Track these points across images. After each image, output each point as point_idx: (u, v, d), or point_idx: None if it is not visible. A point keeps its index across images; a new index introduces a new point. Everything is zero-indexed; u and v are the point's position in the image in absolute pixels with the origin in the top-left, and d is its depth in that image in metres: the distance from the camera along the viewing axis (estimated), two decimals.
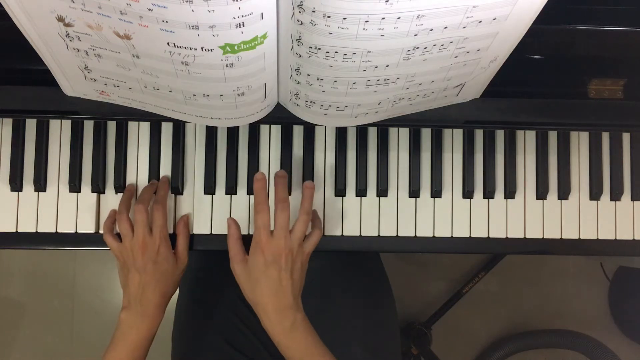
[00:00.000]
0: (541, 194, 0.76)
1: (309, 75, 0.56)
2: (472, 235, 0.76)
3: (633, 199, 0.77)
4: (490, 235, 0.76)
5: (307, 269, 0.86)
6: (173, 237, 0.72)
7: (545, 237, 0.76)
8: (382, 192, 0.75)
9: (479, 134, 0.77)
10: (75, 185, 0.73)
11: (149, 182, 0.73)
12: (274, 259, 0.64)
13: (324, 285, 0.85)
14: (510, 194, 0.76)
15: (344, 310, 0.83)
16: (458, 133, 0.77)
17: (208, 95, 0.58)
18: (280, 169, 0.73)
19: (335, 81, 0.56)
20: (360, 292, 0.86)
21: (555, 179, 0.77)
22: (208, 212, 0.74)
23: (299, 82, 0.58)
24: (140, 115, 0.66)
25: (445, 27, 0.50)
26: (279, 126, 0.75)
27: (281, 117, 0.66)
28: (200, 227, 0.74)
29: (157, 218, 0.68)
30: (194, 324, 0.84)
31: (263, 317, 0.65)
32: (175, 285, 0.71)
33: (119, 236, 0.69)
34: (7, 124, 0.74)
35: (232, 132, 0.74)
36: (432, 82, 0.59)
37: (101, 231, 0.73)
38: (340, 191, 0.75)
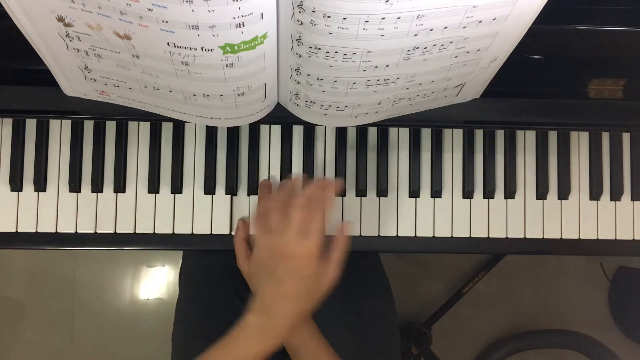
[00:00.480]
0: (541, 194, 0.76)
1: (309, 75, 0.56)
2: (472, 235, 0.76)
3: (633, 199, 0.77)
4: (490, 235, 0.76)
5: None
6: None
7: (545, 237, 0.76)
8: (382, 192, 0.75)
9: (479, 134, 0.77)
10: (75, 185, 0.73)
11: (149, 182, 0.73)
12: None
13: None
14: (510, 194, 0.76)
15: (344, 310, 0.83)
16: (458, 133, 0.77)
17: (208, 95, 0.58)
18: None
19: (335, 81, 0.56)
20: (360, 292, 0.86)
21: (555, 179, 0.77)
22: (208, 212, 0.74)
23: (299, 82, 0.58)
24: (140, 115, 0.66)
25: (445, 27, 0.50)
26: (279, 126, 0.75)
27: (281, 117, 0.66)
28: (200, 227, 0.74)
29: (315, 220, 0.59)
30: (194, 324, 0.84)
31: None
32: (312, 304, 0.60)
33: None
34: (7, 124, 0.74)
35: (232, 132, 0.74)
36: (432, 82, 0.59)
37: (99, 231, 0.73)
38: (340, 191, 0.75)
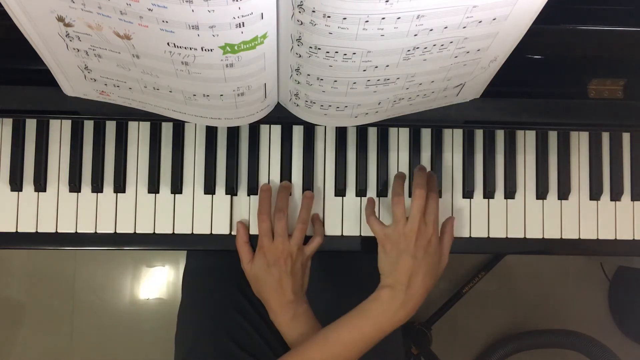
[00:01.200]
0: (541, 194, 0.76)
1: (309, 75, 0.56)
2: (472, 235, 0.76)
3: (633, 199, 0.77)
4: (490, 235, 0.76)
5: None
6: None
7: (545, 237, 0.76)
8: (382, 192, 0.75)
9: (479, 134, 0.77)
10: (75, 185, 0.73)
11: (149, 182, 0.73)
12: (275, 262, 0.70)
13: (324, 286, 0.85)
14: (510, 194, 0.76)
15: (345, 310, 0.83)
16: (458, 133, 0.77)
17: (208, 95, 0.58)
18: (284, 181, 0.75)
19: (335, 81, 0.56)
20: (360, 292, 0.86)
21: (555, 179, 0.77)
22: (208, 212, 0.74)
23: (299, 82, 0.58)
24: (140, 115, 0.66)
25: (445, 27, 0.50)
26: (279, 126, 0.75)
27: (281, 117, 0.66)
28: (200, 227, 0.74)
29: (431, 208, 0.67)
30: (197, 323, 0.84)
31: (268, 311, 0.72)
32: (435, 282, 0.67)
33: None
34: (7, 124, 0.74)
35: (232, 132, 0.74)
36: (432, 82, 0.59)
37: (99, 231, 0.73)
38: (340, 191, 0.75)
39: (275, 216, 0.71)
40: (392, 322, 0.64)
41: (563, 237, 0.76)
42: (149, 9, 0.45)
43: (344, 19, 0.47)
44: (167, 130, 0.74)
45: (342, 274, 0.87)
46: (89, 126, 0.74)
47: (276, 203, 0.72)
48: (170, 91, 0.58)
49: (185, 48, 0.50)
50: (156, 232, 0.73)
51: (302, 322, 0.70)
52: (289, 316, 0.70)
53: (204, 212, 0.74)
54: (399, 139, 0.76)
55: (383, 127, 0.76)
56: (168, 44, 0.50)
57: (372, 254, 0.88)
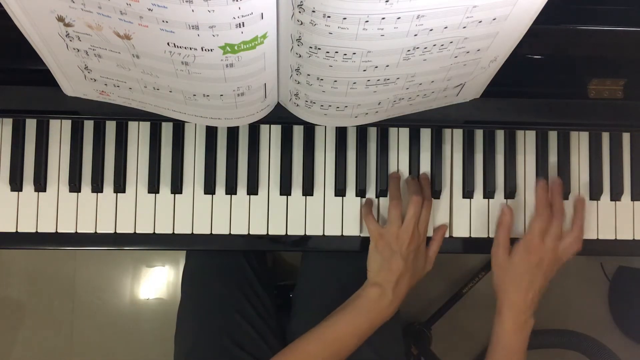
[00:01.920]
0: None
1: (309, 75, 0.56)
2: (472, 236, 0.76)
3: (633, 199, 0.77)
4: (491, 236, 0.76)
5: (307, 269, 0.86)
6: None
7: None
8: (382, 192, 0.75)
9: (479, 134, 0.77)
10: (75, 185, 0.73)
11: (149, 182, 0.73)
12: (538, 263, 0.70)
13: (324, 285, 0.85)
14: (510, 194, 0.76)
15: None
16: (458, 133, 0.77)
17: (208, 95, 0.58)
18: (536, 178, 0.76)
19: (335, 81, 0.56)
20: None
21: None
22: (208, 212, 0.74)
23: (299, 82, 0.58)
24: (140, 115, 0.66)
25: (445, 27, 0.50)
26: (279, 126, 0.75)
27: (281, 117, 0.66)
28: (200, 227, 0.74)
29: (424, 215, 0.71)
30: (197, 323, 0.84)
31: (504, 310, 0.71)
32: (415, 284, 0.72)
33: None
34: (7, 124, 0.74)
35: (232, 132, 0.74)
36: (432, 82, 0.59)
37: (99, 231, 0.73)
38: (340, 191, 0.75)
39: (556, 216, 0.71)
40: (381, 318, 0.68)
41: None
42: (149, 9, 0.45)
43: (344, 19, 0.47)
44: (167, 130, 0.74)
45: (342, 274, 0.87)
46: (89, 126, 0.74)
47: (557, 203, 0.71)
48: (170, 91, 0.58)
49: (185, 48, 0.50)
50: (156, 232, 0.73)
51: (526, 334, 0.72)
52: (523, 319, 0.70)
53: (204, 212, 0.74)
54: (399, 139, 0.76)
55: (383, 127, 0.76)
56: (168, 44, 0.50)
57: None
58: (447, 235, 0.76)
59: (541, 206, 0.71)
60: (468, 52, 0.55)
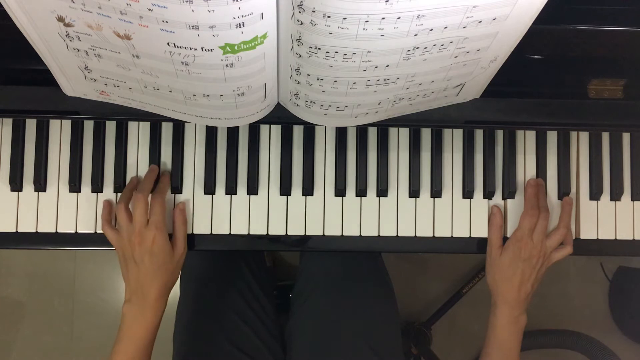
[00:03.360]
0: None
1: (309, 75, 0.56)
2: (472, 235, 0.76)
3: (633, 199, 0.77)
4: None
5: (308, 270, 0.86)
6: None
7: None
8: (382, 192, 0.75)
9: (479, 134, 0.77)
10: (75, 185, 0.73)
11: None
12: (528, 258, 0.71)
13: (324, 285, 0.85)
14: (510, 194, 0.76)
15: (345, 310, 0.83)
16: (458, 133, 0.77)
17: (208, 96, 0.58)
18: (536, 178, 0.77)
19: (335, 81, 0.56)
20: (361, 292, 0.86)
21: (555, 179, 0.77)
22: (208, 212, 0.74)
23: (299, 82, 0.58)
24: (140, 115, 0.66)
25: (445, 27, 0.50)
26: (279, 126, 0.75)
27: (281, 117, 0.66)
28: (200, 227, 0.74)
29: (155, 208, 0.68)
30: (195, 324, 0.84)
31: (498, 304, 0.73)
32: (174, 275, 0.71)
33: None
34: (7, 124, 0.74)
35: (232, 132, 0.74)
36: (432, 82, 0.59)
37: (99, 231, 0.73)
38: (340, 191, 0.75)
39: (541, 216, 0.72)
40: (145, 325, 0.69)
41: None
42: (149, 9, 0.45)
43: (344, 19, 0.47)
44: (167, 130, 0.74)
45: (341, 274, 0.87)
46: (89, 126, 0.74)
47: (537, 201, 0.73)
48: (170, 91, 0.58)
49: (185, 48, 0.50)
50: None
51: (520, 331, 0.74)
52: (515, 314, 0.72)
53: (204, 212, 0.74)
54: (399, 139, 0.76)
55: (383, 127, 0.75)
56: (168, 44, 0.50)
57: (372, 253, 0.88)
58: (449, 235, 0.75)
59: (530, 204, 0.73)
60: (468, 52, 0.55)
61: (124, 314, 0.68)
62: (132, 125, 0.74)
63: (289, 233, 0.74)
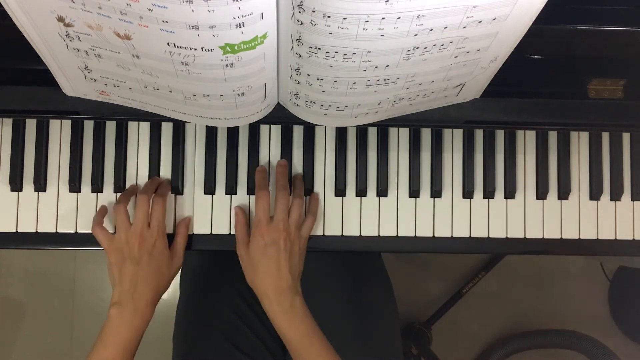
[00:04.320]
0: (541, 194, 0.76)
1: (309, 75, 0.56)
2: (472, 235, 0.76)
3: (633, 199, 0.77)
4: (490, 235, 0.76)
5: (308, 269, 0.85)
6: (171, 238, 0.72)
7: (545, 237, 0.76)
8: (382, 192, 0.75)
9: (479, 134, 0.77)
10: (75, 185, 0.73)
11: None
12: (273, 241, 0.67)
13: (324, 285, 0.85)
14: (510, 194, 0.76)
15: (345, 309, 0.83)
16: (458, 133, 0.77)
17: (208, 96, 0.58)
18: (281, 159, 0.74)
19: (335, 81, 0.56)
20: (361, 292, 0.86)
21: (555, 179, 0.77)
22: (208, 212, 0.74)
23: (299, 82, 0.58)
24: (140, 115, 0.66)
25: (445, 27, 0.50)
26: (279, 126, 0.75)
27: (281, 117, 0.66)
28: (200, 227, 0.74)
29: (156, 212, 0.68)
30: (195, 324, 0.84)
31: (264, 299, 0.67)
32: (167, 283, 0.70)
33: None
34: (7, 124, 0.74)
35: (232, 132, 0.74)
36: (432, 82, 0.59)
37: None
38: (340, 191, 0.75)
39: (278, 194, 0.69)
40: (133, 330, 0.66)
41: (563, 237, 0.76)
42: (149, 9, 0.45)
43: (344, 19, 0.47)
44: (167, 130, 0.74)
45: (341, 274, 0.87)
46: (89, 126, 0.74)
47: (276, 181, 0.71)
48: (170, 91, 0.58)
49: (185, 48, 0.50)
50: None
51: (300, 317, 0.67)
52: (286, 305, 0.66)
53: (204, 212, 0.74)
54: (399, 139, 0.76)
55: (383, 127, 0.76)
56: (168, 44, 0.50)
57: (372, 253, 0.88)
58: (449, 235, 0.75)
59: (258, 188, 0.70)
60: (468, 52, 0.55)
61: (112, 317, 0.66)
62: (132, 125, 0.74)
63: None
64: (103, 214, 0.72)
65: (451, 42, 0.52)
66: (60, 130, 0.74)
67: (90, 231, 0.73)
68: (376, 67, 0.54)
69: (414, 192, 0.75)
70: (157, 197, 0.69)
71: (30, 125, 0.74)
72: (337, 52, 0.52)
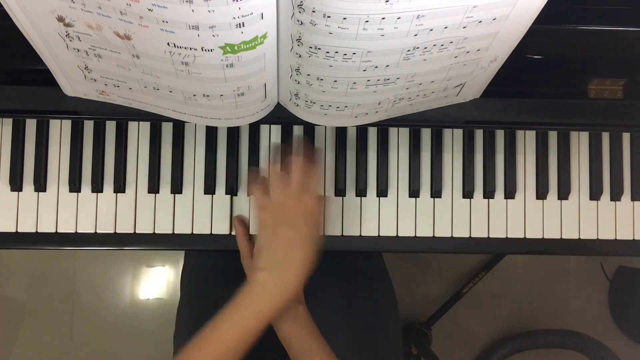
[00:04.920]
0: (541, 194, 0.76)
1: (309, 75, 0.56)
2: (472, 235, 0.76)
3: (633, 199, 0.77)
4: (490, 235, 0.76)
5: None
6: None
7: (545, 237, 0.76)
8: (382, 192, 0.75)
9: (479, 134, 0.77)
10: (75, 185, 0.73)
11: (149, 182, 0.73)
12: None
13: (325, 285, 0.85)
14: (510, 194, 0.76)
15: (346, 310, 0.83)
16: (458, 133, 0.77)
17: (208, 96, 0.58)
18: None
19: (335, 81, 0.56)
20: (361, 292, 0.86)
21: (555, 179, 0.77)
22: (208, 212, 0.74)
23: (299, 82, 0.58)
24: (140, 115, 0.66)
25: (445, 27, 0.50)
26: (279, 126, 0.75)
27: (281, 117, 0.66)
28: (200, 227, 0.74)
29: (311, 180, 0.64)
30: (195, 324, 0.84)
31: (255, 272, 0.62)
32: (314, 259, 0.61)
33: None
34: (7, 124, 0.74)
35: (232, 132, 0.74)
36: (432, 82, 0.59)
37: (99, 231, 0.73)
38: (340, 191, 0.75)
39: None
40: (278, 303, 0.59)
41: (563, 237, 0.76)
42: (149, 9, 0.45)
43: (344, 19, 0.47)
44: (167, 130, 0.74)
45: (342, 274, 0.87)
46: (89, 126, 0.74)
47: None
48: (170, 91, 0.58)
49: (185, 48, 0.50)
50: (156, 232, 0.73)
51: (303, 323, 0.65)
52: (290, 313, 0.64)
53: (204, 212, 0.74)
54: (399, 139, 0.76)
55: (383, 127, 0.76)
56: (168, 44, 0.50)
57: (372, 253, 0.88)
58: (449, 235, 0.76)
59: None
60: (468, 52, 0.55)
61: (258, 281, 0.58)
62: (132, 125, 0.74)
63: None
64: (257, 173, 0.69)
65: (451, 42, 0.52)
66: (60, 130, 0.74)
67: (90, 231, 0.73)
68: (376, 67, 0.54)
69: (414, 192, 0.75)
70: (313, 163, 0.65)
71: (30, 125, 0.74)
72: (337, 52, 0.52)
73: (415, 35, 0.50)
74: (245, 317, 0.58)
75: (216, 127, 0.74)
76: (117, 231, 0.73)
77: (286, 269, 0.59)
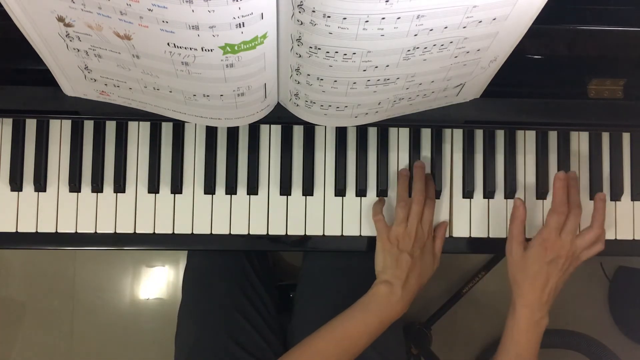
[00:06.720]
0: (541, 193, 0.76)
1: (309, 75, 0.56)
2: (472, 235, 0.76)
3: (633, 199, 0.77)
4: (490, 235, 0.76)
5: (308, 270, 0.85)
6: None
7: None
8: (382, 192, 0.75)
9: (479, 134, 0.77)
10: (75, 185, 0.73)
11: (149, 182, 0.73)
12: (554, 259, 0.67)
13: (325, 285, 0.85)
14: (510, 194, 0.76)
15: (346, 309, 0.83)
16: (458, 133, 0.77)
17: (208, 96, 0.58)
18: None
19: (335, 81, 0.56)
20: (362, 292, 0.86)
21: None
22: (208, 212, 0.74)
23: (299, 82, 0.58)
24: (140, 115, 0.66)
25: (445, 27, 0.50)
26: (279, 126, 0.75)
27: (281, 117, 0.66)
28: (200, 227, 0.74)
29: (427, 214, 0.71)
30: (197, 324, 0.84)
31: (518, 306, 0.69)
32: (426, 282, 0.72)
33: None
34: (7, 124, 0.74)
35: (232, 132, 0.74)
36: (432, 82, 0.59)
37: (99, 231, 0.73)
38: (340, 191, 0.75)
39: (572, 212, 0.68)
40: (391, 315, 0.68)
41: None
42: (149, 9, 0.45)
43: (344, 19, 0.47)
44: (167, 130, 0.74)
45: (342, 274, 0.87)
46: (89, 126, 0.74)
47: (570, 197, 0.69)
48: (171, 91, 0.58)
49: (185, 48, 0.50)
50: (156, 232, 0.73)
51: (539, 334, 0.69)
52: (537, 317, 0.68)
53: (204, 212, 0.74)
54: (399, 139, 0.76)
55: (383, 127, 0.76)
56: (168, 44, 0.50)
57: (372, 253, 0.87)
58: (447, 235, 0.76)
59: (558, 200, 0.68)
60: (468, 52, 0.55)
61: (380, 291, 0.68)
62: (132, 125, 0.74)
63: (289, 233, 0.74)
64: (382, 204, 0.74)
65: (451, 42, 0.52)
66: (60, 130, 0.74)
67: (90, 231, 0.73)
68: (376, 67, 0.54)
69: None
70: (430, 200, 0.72)
71: (30, 125, 0.74)
72: (337, 52, 0.52)
73: (415, 35, 0.50)
74: (370, 317, 0.67)
75: (216, 127, 0.74)
76: (117, 231, 0.73)
77: (405, 289, 0.68)
